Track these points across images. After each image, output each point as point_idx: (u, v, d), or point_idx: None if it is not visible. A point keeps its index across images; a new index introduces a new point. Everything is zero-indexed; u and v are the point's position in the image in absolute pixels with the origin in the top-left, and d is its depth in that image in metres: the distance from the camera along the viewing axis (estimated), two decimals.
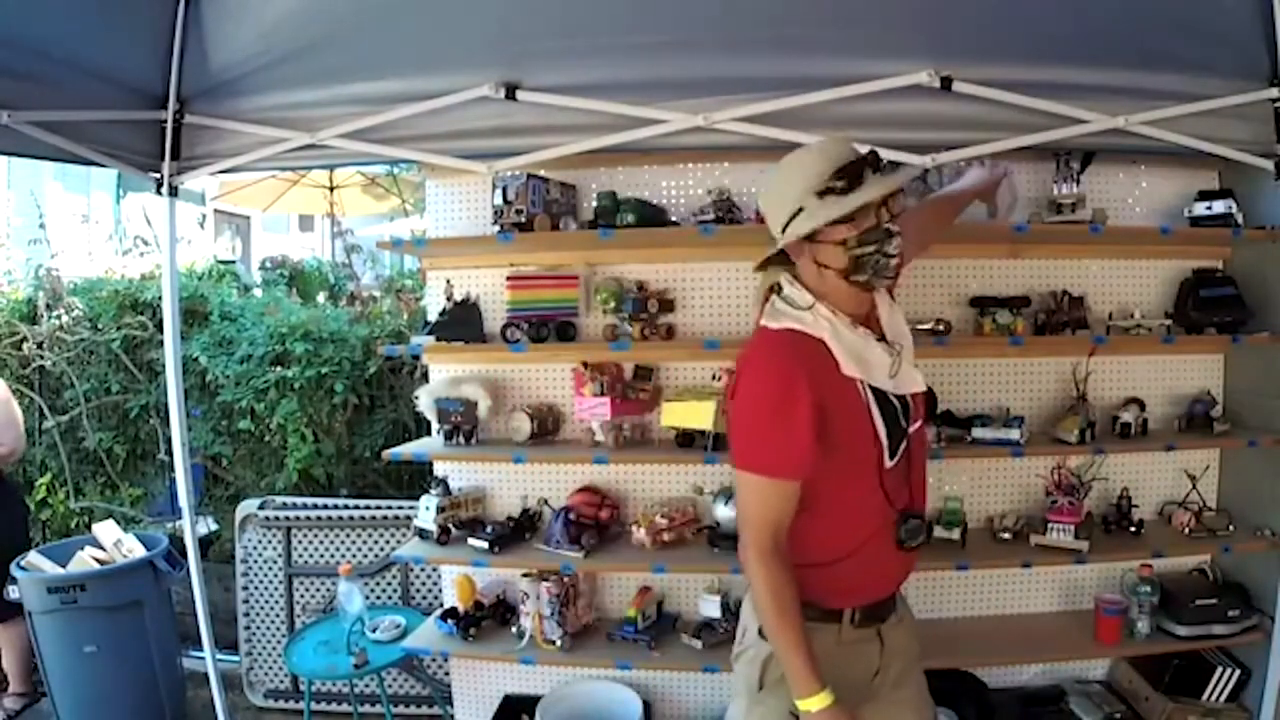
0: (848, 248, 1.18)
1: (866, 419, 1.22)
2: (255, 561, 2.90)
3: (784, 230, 1.22)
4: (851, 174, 1.16)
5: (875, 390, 1.23)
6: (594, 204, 2.13)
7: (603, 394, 2.13)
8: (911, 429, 1.29)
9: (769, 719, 1.28)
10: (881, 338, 1.28)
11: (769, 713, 1.28)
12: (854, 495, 1.25)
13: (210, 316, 3.57)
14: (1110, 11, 1.83)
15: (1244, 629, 2.10)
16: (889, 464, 1.24)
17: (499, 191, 2.03)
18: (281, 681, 2.91)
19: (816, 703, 1.15)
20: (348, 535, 2.86)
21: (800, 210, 1.19)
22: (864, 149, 1.20)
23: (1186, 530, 2.19)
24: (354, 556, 2.84)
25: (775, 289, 1.29)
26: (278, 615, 2.90)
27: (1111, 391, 2.30)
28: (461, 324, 2.16)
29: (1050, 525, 2.09)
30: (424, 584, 2.80)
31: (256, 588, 2.91)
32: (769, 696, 1.28)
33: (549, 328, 2.15)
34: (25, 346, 3.61)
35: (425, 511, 2.24)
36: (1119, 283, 2.31)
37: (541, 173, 2.11)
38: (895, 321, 1.32)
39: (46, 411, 3.56)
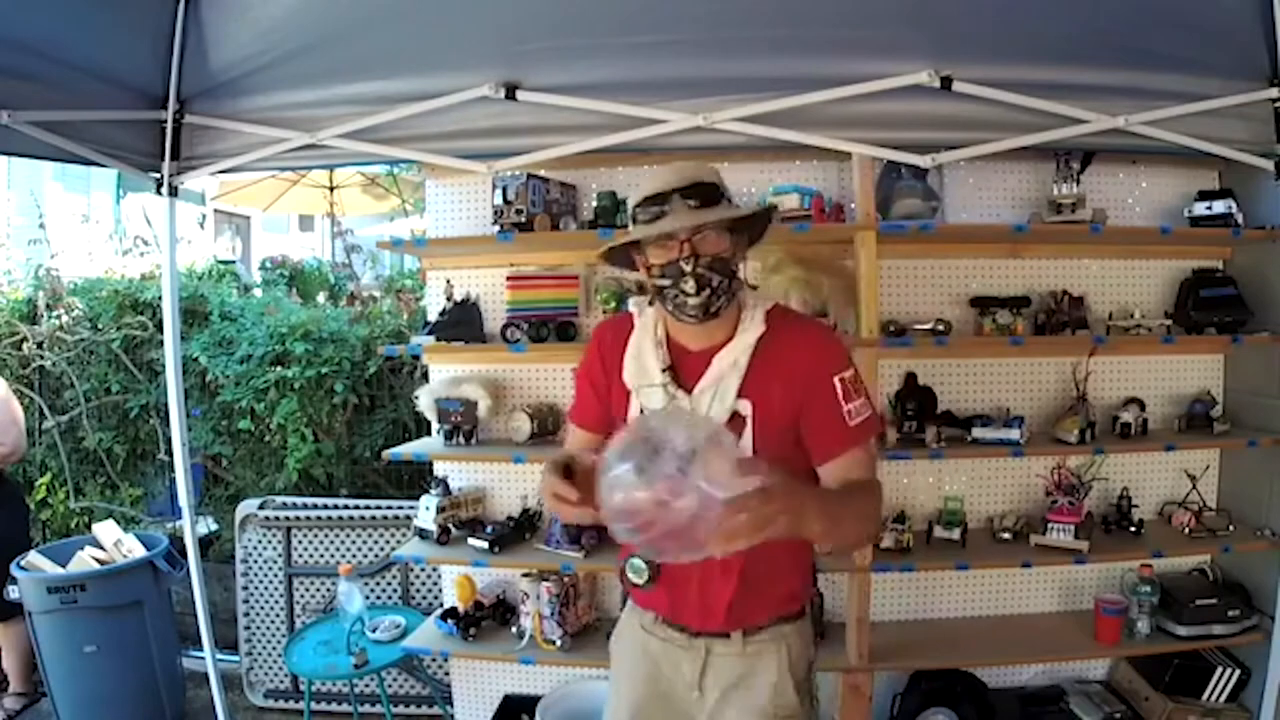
0: (651, 275, 1.18)
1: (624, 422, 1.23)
2: (255, 561, 2.90)
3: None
4: (658, 203, 1.14)
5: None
6: (594, 204, 2.13)
7: None
8: None
9: None
10: (672, 372, 1.21)
11: None
12: None
13: (210, 316, 3.57)
14: (1110, 11, 1.83)
15: (1244, 629, 2.10)
16: None
17: (499, 191, 2.03)
18: (281, 681, 2.91)
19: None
20: (348, 535, 2.86)
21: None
22: (685, 179, 1.14)
23: (1186, 530, 2.19)
24: (354, 556, 2.84)
25: None
26: (278, 615, 2.90)
27: (1111, 391, 2.30)
28: (461, 324, 2.17)
29: (1050, 525, 2.09)
30: (424, 584, 2.80)
31: (256, 588, 2.91)
32: None
33: (549, 328, 2.15)
34: (25, 346, 3.61)
35: (425, 511, 2.24)
36: (1119, 283, 2.31)
37: (541, 173, 2.12)
38: (742, 368, 1.17)
39: (46, 411, 3.56)
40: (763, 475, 0.90)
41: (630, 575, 1.25)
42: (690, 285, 1.12)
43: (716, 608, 1.24)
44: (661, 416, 1.13)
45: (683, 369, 1.22)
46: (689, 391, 1.19)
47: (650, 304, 1.26)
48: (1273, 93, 1.93)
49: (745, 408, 1.18)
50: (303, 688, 2.50)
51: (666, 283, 1.15)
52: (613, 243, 1.23)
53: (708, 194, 1.14)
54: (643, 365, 1.23)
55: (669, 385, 1.20)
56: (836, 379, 1.16)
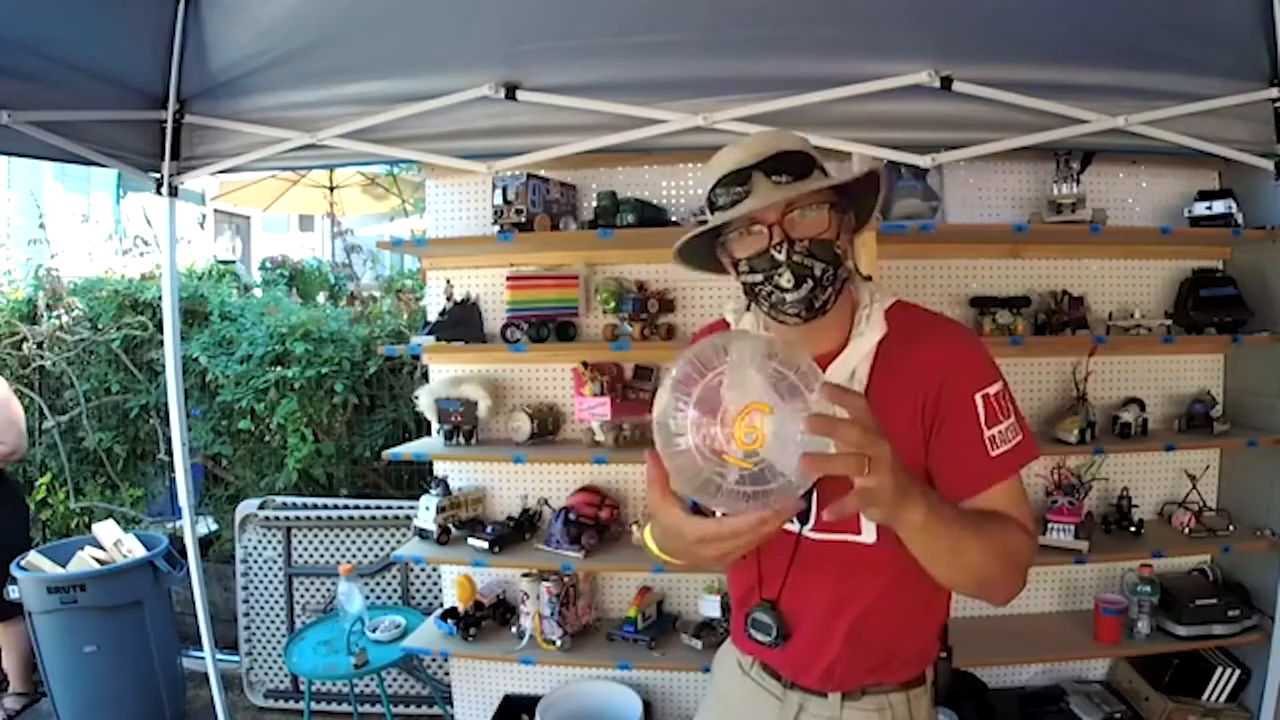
0: (739, 273, 0.98)
1: None
2: (255, 561, 2.90)
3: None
4: (736, 184, 0.94)
5: None
6: (594, 204, 2.13)
7: (603, 394, 2.13)
8: (806, 529, 1.01)
9: None
10: None
11: None
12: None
13: (210, 316, 3.57)
14: (1110, 11, 1.82)
15: (1244, 629, 2.10)
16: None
17: (499, 191, 2.03)
18: (281, 681, 2.91)
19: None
20: (348, 535, 2.86)
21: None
22: (766, 150, 0.94)
23: (1186, 530, 2.19)
24: (354, 556, 2.84)
25: None
26: (278, 615, 2.90)
27: (1111, 391, 2.30)
28: (461, 324, 2.17)
29: (1050, 525, 2.08)
30: (424, 584, 2.80)
31: (256, 588, 2.91)
32: None
33: (549, 328, 2.14)
34: (25, 346, 3.61)
35: (425, 511, 2.24)
36: (1119, 283, 2.31)
37: (541, 173, 2.12)
38: (862, 381, 0.98)
39: (46, 411, 3.56)
40: (861, 411, 0.70)
41: (755, 635, 1.07)
42: (786, 278, 0.93)
43: (814, 664, 1.06)
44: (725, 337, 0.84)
45: None
46: None
47: (748, 308, 1.07)
48: (1273, 93, 1.93)
49: None
50: (303, 688, 2.51)
51: (758, 278, 0.95)
52: (687, 235, 1.01)
53: (798, 166, 0.93)
54: None
55: None
56: (979, 396, 0.94)
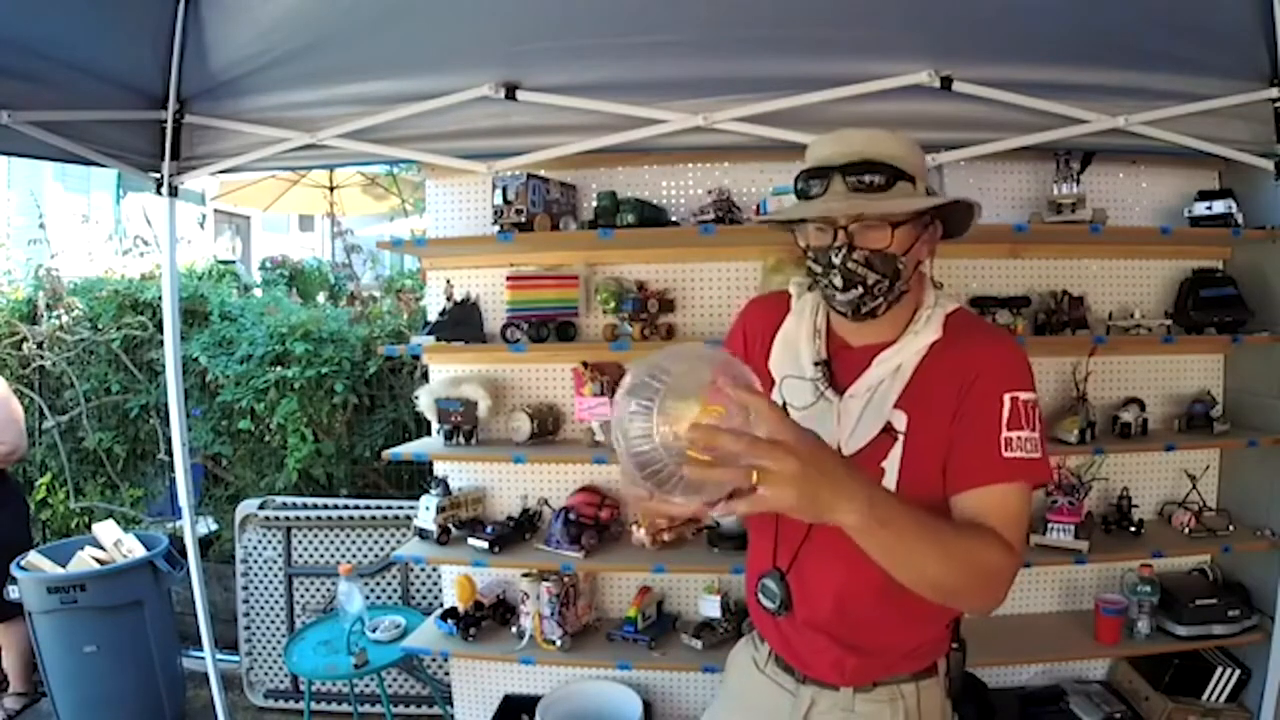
0: (805, 256, 1.04)
1: None
2: (255, 561, 2.90)
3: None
4: (815, 179, 1.00)
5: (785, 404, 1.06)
6: (594, 204, 2.13)
7: (603, 394, 2.13)
8: None
9: None
10: (826, 368, 1.05)
11: None
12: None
13: (210, 316, 3.57)
14: (1110, 11, 1.82)
15: (1244, 629, 2.10)
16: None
17: (499, 191, 2.03)
18: (281, 681, 2.91)
19: None
20: (348, 535, 2.86)
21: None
22: (855, 154, 0.99)
23: (1186, 530, 2.19)
24: (354, 556, 2.84)
25: None
26: (278, 615, 2.90)
27: (1111, 391, 2.30)
28: (461, 324, 2.16)
29: (1050, 525, 2.09)
30: (424, 584, 2.80)
31: (256, 588, 2.91)
32: None
33: (549, 328, 2.14)
34: (25, 346, 3.61)
35: (425, 511, 2.24)
36: (1119, 283, 2.31)
37: (541, 173, 2.11)
38: (905, 375, 1.01)
39: (46, 411, 3.56)
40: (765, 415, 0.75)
41: (763, 600, 1.11)
42: (838, 279, 0.98)
43: (822, 654, 1.08)
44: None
45: (838, 365, 1.06)
46: (841, 393, 1.03)
47: (810, 288, 1.12)
48: (1273, 93, 1.93)
49: (900, 420, 0.99)
50: (303, 688, 2.51)
51: (817, 270, 1.01)
52: (769, 219, 1.11)
53: (881, 174, 0.96)
54: (793, 354, 1.09)
55: (820, 382, 1.05)
56: (1007, 396, 0.95)
